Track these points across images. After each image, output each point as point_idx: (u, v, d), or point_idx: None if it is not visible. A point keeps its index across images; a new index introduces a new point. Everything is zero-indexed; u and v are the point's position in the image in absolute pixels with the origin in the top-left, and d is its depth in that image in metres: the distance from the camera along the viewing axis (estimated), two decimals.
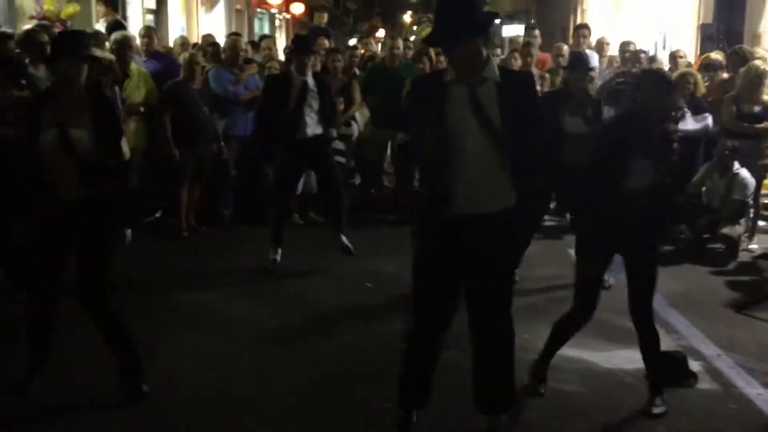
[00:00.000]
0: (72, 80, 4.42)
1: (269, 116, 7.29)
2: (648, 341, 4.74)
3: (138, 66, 8.47)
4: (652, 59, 10.05)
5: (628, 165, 4.46)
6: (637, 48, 9.87)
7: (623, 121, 4.80)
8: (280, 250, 7.23)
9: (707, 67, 9.38)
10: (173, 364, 5.10)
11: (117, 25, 9.36)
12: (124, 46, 8.19)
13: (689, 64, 9.84)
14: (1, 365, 5.05)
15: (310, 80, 7.08)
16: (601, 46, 10.53)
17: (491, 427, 4.24)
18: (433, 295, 3.96)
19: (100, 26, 9.90)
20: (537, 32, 11.76)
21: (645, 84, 4.70)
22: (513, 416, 4.41)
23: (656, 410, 4.60)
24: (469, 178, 3.77)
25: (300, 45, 7.32)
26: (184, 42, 10.77)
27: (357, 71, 9.97)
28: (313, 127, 7.09)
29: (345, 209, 7.36)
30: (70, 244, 4.49)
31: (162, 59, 9.29)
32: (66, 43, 4.55)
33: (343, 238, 7.29)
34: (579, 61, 6.94)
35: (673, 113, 8.29)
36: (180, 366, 5.02)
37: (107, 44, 8.26)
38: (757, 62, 8.45)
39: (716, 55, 9.60)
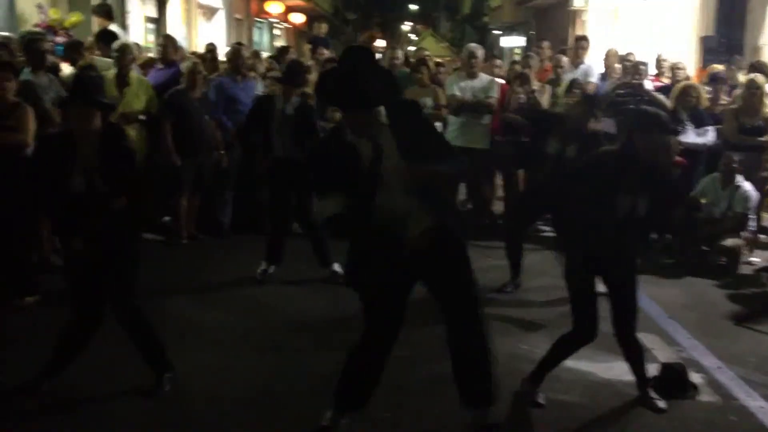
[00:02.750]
0: (86, 126, 4.47)
1: (249, 134, 7.51)
2: (634, 354, 4.84)
3: (137, 74, 8.47)
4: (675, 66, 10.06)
5: (618, 200, 4.49)
6: (636, 59, 9.88)
7: (613, 158, 4.69)
8: (272, 266, 7.29)
9: (712, 79, 9.39)
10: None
11: (108, 33, 9.30)
12: (124, 54, 8.19)
13: (688, 77, 9.87)
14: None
15: (289, 109, 7.14)
16: (609, 59, 10.57)
17: (477, 422, 4.29)
18: (387, 310, 4.14)
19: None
20: (545, 44, 11.82)
21: (639, 124, 4.59)
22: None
23: (660, 404, 4.75)
24: (393, 209, 3.99)
25: (289, 76, 7.35)
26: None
27: None
28: (285, 149, 7.11)
29: (324, 242, 7.20)
30: (99, 263, 4.63)
31: (175, 67, 9.28)
32: (81, 89, 4.57)
33: (334, 267, 7.14)
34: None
35: (674, 126, 8.40)
36: (177, 372, 5.01)
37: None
38: (759, 76, 8.47)
39: (721, 67, 9.62)
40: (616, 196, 4.48)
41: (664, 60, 10.40)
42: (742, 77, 9.45)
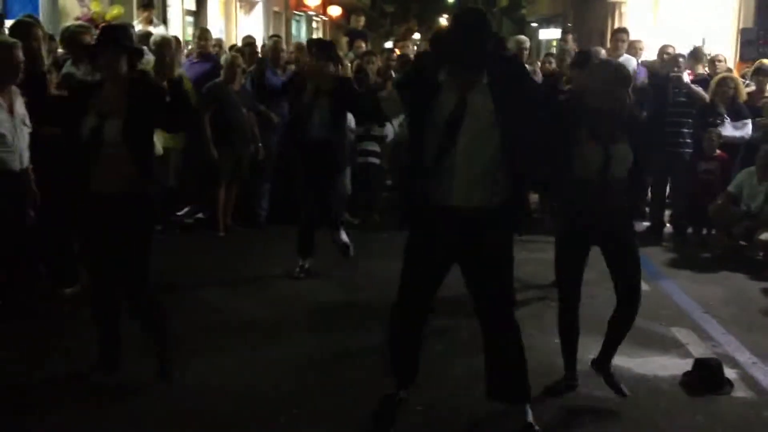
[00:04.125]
0: (113, 71, 4.53)
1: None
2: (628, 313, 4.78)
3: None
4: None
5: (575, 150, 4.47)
6: (676, 52, 9.77)
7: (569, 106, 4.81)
8: (307, 259, 7.21)
9: (756, 72, 9.28)
10: (205, 361, 5.17)
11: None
12: (163, 47, 8.28)
13: (729, 69, 9.75)
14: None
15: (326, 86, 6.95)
16: (634, 51, 10.48)
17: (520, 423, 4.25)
18: (420, 280, 4.13)
19: (139, 27, 10.04)
20: (570, 37, 11.80)
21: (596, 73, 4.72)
22: None
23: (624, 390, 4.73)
24: (462, 174, 3.92)
25: (321, 51, 7.12)
26: (217, 44, 10.87)
27: (393, 73, 10.00)
28: (319, 130, 6.92)
29: (338, 215, 7.44)
30: (110, 236, 4.58)
31: (212, 60, 9.41)
32: (109, 36, 4.66)
33: (342, 235, 7.32)
34: (586, 59, 6.77)
35: (711, 118, 8.33)
36: (212, 363, 5.09)
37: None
38: None
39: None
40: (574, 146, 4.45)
41: (704, 53, 10.28)
42: None
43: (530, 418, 4.26)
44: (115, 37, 4.61)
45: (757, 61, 9.77)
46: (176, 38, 9.81)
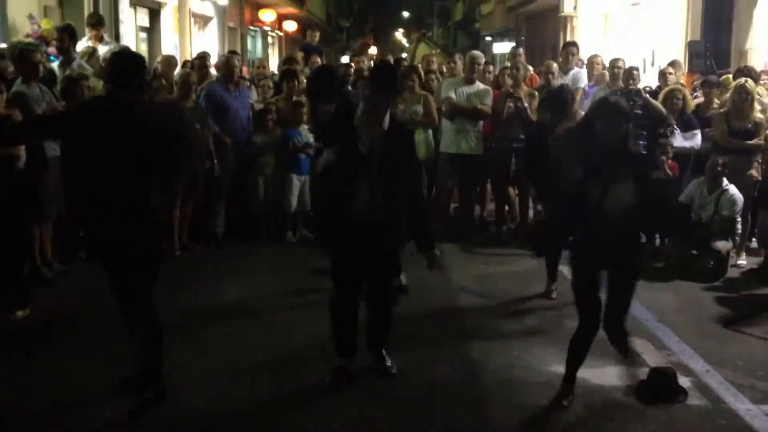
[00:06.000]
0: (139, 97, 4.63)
1: None
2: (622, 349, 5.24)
3: None
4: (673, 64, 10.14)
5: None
6: (627, 65, 9.90)
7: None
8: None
9: (703, 84, 9.46)
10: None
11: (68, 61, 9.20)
12: None
13: (679, 82, 9.91)
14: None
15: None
16: (591, 66, 10.63)
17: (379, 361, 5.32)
18: (348, 273, 5.14)
19: (83, 43, 9.92)
20: (521, 50, 11.95)
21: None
22: None
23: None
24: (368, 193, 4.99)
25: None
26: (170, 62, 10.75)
27: (350, 88, 10.00)
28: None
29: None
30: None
31: None
32: (137, 69, 4.64)
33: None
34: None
35: (662, 129, 8.44)
36: (170, 384, 5.03)
37: None
38: (749, 81, 8.53)
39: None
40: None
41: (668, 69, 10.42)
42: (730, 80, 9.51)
43: (389, 362, 5.31)
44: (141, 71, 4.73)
45: (724, 78, 9.91)
46: None
